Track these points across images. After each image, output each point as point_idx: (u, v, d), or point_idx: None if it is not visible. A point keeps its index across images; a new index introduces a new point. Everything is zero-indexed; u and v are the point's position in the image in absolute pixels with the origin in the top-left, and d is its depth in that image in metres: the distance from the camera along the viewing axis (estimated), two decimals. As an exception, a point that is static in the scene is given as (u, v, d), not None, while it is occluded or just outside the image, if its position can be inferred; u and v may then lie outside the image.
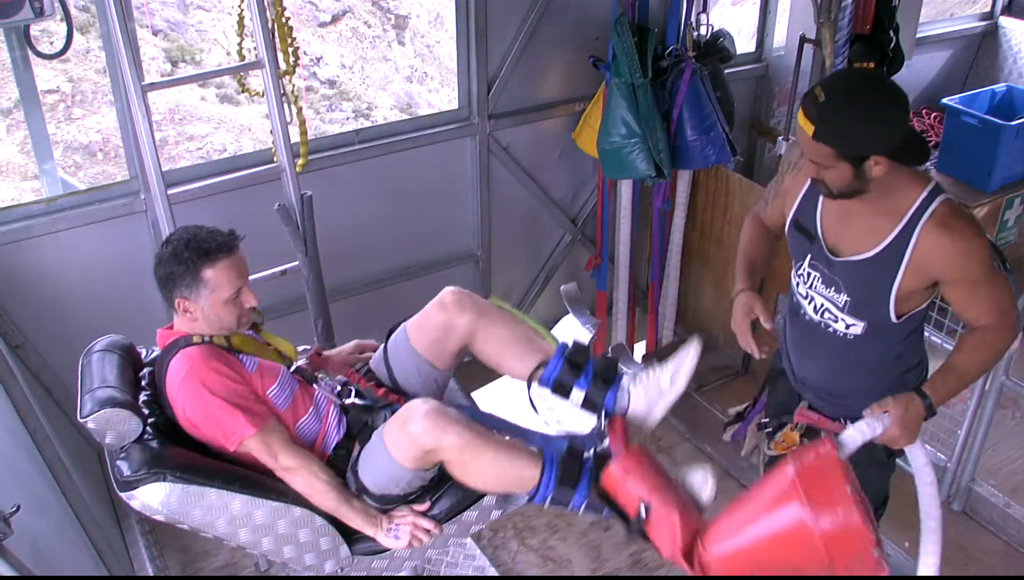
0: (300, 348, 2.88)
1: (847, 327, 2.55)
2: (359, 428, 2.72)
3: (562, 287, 3.87)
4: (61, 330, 3.75)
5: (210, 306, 2.59)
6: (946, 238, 2.29)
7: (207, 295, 2.57)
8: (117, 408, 2.48)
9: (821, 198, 2.49)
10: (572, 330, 3.57)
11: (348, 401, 2.76)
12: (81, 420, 2.46)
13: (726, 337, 4.15)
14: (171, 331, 2.69)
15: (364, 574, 2.78)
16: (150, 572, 3.55)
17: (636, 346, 4.91)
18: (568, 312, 3.32)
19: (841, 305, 2.53)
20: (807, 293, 2.63)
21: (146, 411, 2.61)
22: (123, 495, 2.49)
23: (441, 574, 2.93)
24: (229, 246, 2.62)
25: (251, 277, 3.61)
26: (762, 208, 2.86)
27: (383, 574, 2.80)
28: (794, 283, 2.68)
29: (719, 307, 4.87)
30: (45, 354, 3.76)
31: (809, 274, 2.59)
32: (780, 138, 3.83)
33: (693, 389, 4.42)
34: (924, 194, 2.33)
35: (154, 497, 2.45)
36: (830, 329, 2.59)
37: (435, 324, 2.80)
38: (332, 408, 2.75)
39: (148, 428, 2.55)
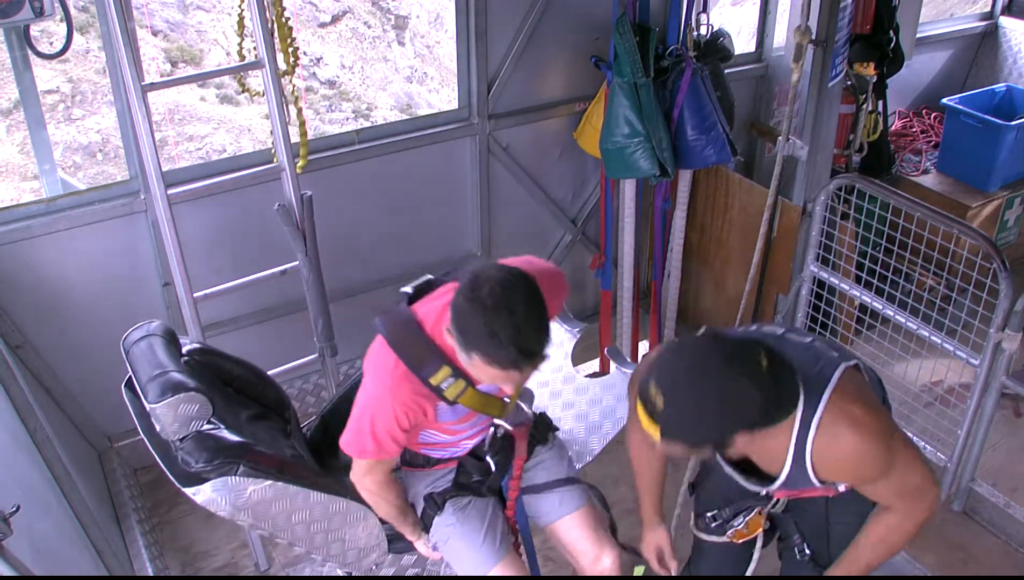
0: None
1: None
2: (466, 478, 2.75)
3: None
4: (61, 331, 3.75)
5: (469, 366, 2.26)
6: (835, 452, 2.17)
7: (472, 367, 2.24)
8: (190, 393, 2.43)
9: None
10: (556, 337, 3.57)
11: (487, 457, 2.73)
12: (151, 406, 2.39)
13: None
14: (438, 320, 2.38)
15: (367, 574, 2.79)
16: (150, 572, 3.55)
17: (640, 345, 4.90)
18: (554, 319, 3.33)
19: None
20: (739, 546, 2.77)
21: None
22: (187, 490, 2.44)
23: (441, 574, 2.93)
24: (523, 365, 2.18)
25: (251, 277, 3.63)
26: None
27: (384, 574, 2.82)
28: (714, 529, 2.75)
29: (718, 306, 4.88)
30: (45, 354, 3.76)
31: (735, 516, 2.70)
32: (780, 139, 3.83)
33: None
34: (800, 414, 2.15)
35: (222, 491, 2.41)
36: None
37: None
38: (473, 441, 2.74)
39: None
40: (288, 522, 2.55)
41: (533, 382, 3.65)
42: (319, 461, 2.75)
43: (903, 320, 3.87)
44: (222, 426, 2.51)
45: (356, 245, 4.33)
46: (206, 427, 2.46)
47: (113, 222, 3.72)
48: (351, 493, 2.61)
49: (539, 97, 4.54)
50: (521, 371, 2.15)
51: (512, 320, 2.06)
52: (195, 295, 3.46)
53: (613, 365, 3.64)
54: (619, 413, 3.33)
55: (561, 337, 3.53)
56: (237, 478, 2.42)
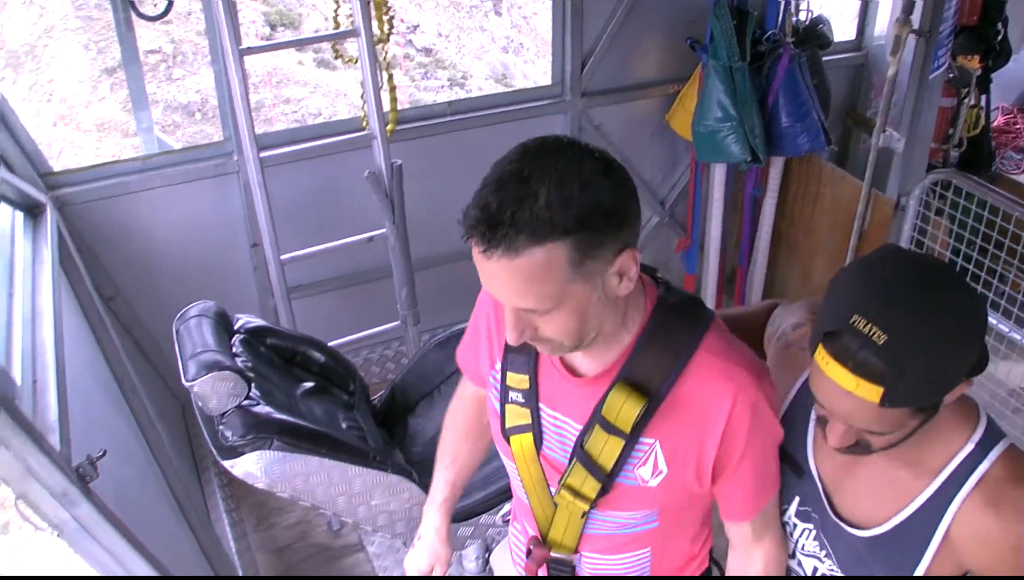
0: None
1: None
2: None
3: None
4: (151, 285, 3.84)
5: None
6: (994, 521, 1.54)
7: None
8: (225, 371, 2.51)
9: (815, 415, 1.73)
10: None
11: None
12: (187, 384, 2.49)
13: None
14: None
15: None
16: (226, 524, 3.63)
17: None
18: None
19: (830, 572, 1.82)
20: (790, 565, 1.91)
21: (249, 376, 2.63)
22: (225, 463, 2.53)
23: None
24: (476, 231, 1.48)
25: (338, 243, 3.66)
26: None
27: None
28: None
29: (803, 295, 4.81)
30: (136, 307, 3.85)
31: (796, 527, 1.85)
32: (875, 130, 3.75)
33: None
34: (971, 444, 1.59)
35: (258, 464, 2.48)
36: None
37: None
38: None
39: (250, 394, 2.58)
40: (328, 495, 2.60)
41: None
42: (388, 431, 2.78)
43: (995, 321, 3.77)
44: (263, 402, 2.57)
45: (443, 216, 4.31)
46: (246, 402, 2.54)
47: (206, 182, 3.79)
48: (399, 466, 2.64)
49: (633, 77, 4.50)
50: (480, 250, 1.39)
51: (497, 177, 1.40)
52: (282, 257, 3.52)
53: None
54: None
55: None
56: (271, 452, 2.49)
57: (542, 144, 1.44)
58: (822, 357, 1.47)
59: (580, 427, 1.69)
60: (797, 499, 1.83)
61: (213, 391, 2.48)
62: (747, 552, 1.85)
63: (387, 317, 3.84)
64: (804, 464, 1.79)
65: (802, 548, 1.85)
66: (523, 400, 1.77)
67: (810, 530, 1.82)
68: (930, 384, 1.44)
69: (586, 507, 1.73)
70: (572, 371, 1.70)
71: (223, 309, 2.88)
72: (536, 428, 1.76)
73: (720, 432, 1.62)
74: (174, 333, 2.74)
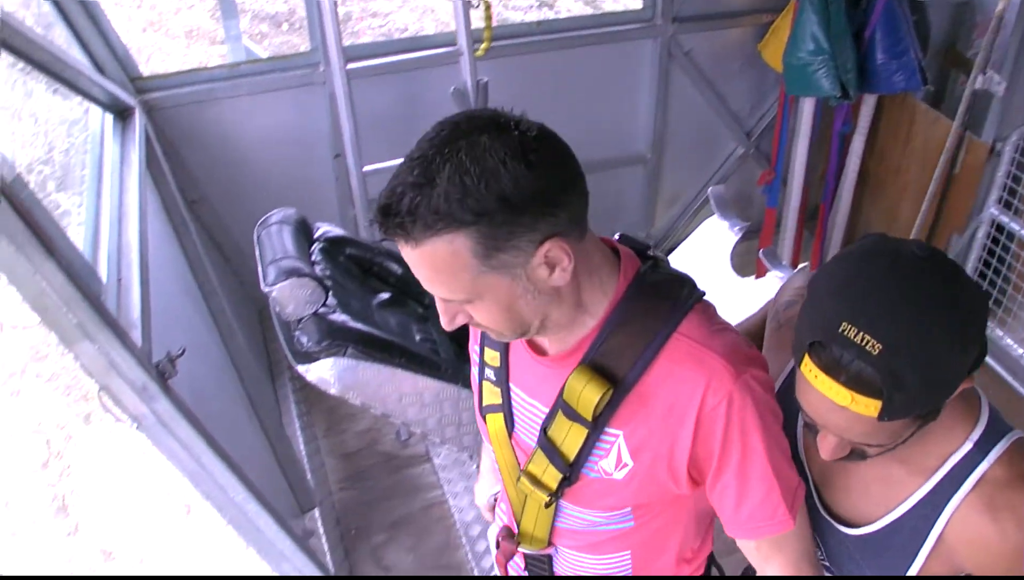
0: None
1: None
2: None
3: (711, 189, 3.81)
4: (234, 191, 3.89)
5: None
6: (991, 526, 1.45)
7: None
8: (303, 278, 2.54)
9: (802, 419, 1.57)
10: (714, 234, 3.53)
11: None
12: (266, 289, 2.53)
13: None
14: None
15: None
16: (297, 427, 3.71)
17: (799, 267, 4.81)
18: (714, 213, 3.27)
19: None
20: None
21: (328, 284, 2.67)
22: (299, 367, 2.57)
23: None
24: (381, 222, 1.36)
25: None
26: None
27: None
28: None
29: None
30: (218, 211, 3.92)
31: None
32: (974, 71, 3.62)
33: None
34: (970, 443, 1.48)
35: (331, 371, 2.52)
36: None
37: None
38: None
39: (327, 302, 2.61)
40: (399, 404, 2.63)
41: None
42: (459, 345, 2.80)
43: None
44: (339, 310, 2.59)
45: (526, 136, 4.33)
46: (323, 310, 2.57)
47: (291, 92, 3.81)
48: (468, 380, 2.67)
49: (726, 4, 4.41)
50: (391, 233, 1.30)
51: (408, 161, 1.30)
52: (364, 169, 3.54)
53: (769, 268, 3.58)
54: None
55: (721, 234, 3.49)
56: (345, 359, 2.52)
57: (459, 123, 1.30)
58: (810, 369, 1.35)
59: (547, 410, 1.58)
60: None
61: (291, 297, 2.51)
62: (761, 569, 1.66)
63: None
64: (793, 451, 1.64)
65: None
66: (495, 378, 1.70)
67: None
68: (930, 391, 1.33)
69: (546, 498, 1.62)
70: (538, 350, 1.59)
71: (304, 217, 2.91)
72: (507, 409, 1.69)
73: (692, 427, 1.46)
74: (255, 238, 2.78)
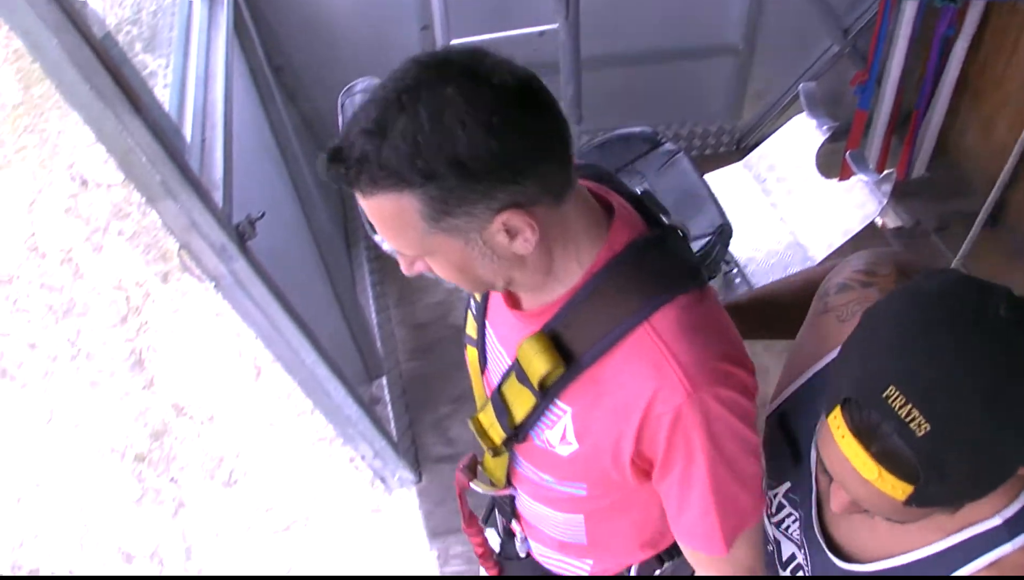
0: None
1: None
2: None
3: (802, 85, 3.70)
4: (320, 58, 3.88)
5: None
6: None
7: None
8: None
9: (815, 454, 1.37)
10: (801, 132, 3.45)
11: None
12: None
13: (980, 182, 3.92)
14: None
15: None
16: (370, 297, 3.76)
17: (885, 173, 4.70)
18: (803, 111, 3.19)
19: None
20: (773, 534, 1.66)
21: None
22: (375, 237, 2.58)
23: None
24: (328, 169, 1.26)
25: (508, 33, 3.62)
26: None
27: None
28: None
29: (982, 150, 4.57)
30: (303, 78, 3.92)
31: (781, 508, 1.61)
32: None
33: (933, 228, 4.23)
34: (998, 519, 1.26)
35: None
36: None
37: None
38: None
39: None
40: None
41: (772, 177, 3.58)
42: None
43: None
44: None
45: (616, 18, 4.24)
46: None
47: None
48: None
49: None
50: (338, 181, 1.22)
51: (367, 105, 1.19)
52: (452, 42, 3.50)
53: (854, 171, 3.51)
54: (850, 223, 3.23)
55: (808, 133, 3.42)
56: None
57: (430, 65, 1.17)
58: (838, 426, 1.16)
59: (510, 363, 1.47)
60: (788, 484, 1.58)
61: None
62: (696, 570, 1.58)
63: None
64: (805, 455, 1.51)
65: (786, 529, 1.61)
66: (475, 311, 1.63)
67: (795, 518, 1.57)
68: (976, 487, 1.13)
69: (488, 451, 1.57)
70: (513, 300, 1.48)
71: None
72: (480, 345, 1.62)
73: (636, 427, 1.34)
74: (339, 106, 2.79)
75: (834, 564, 1.45)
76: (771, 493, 1.61)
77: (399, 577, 2.99)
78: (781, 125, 4.00)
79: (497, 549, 2.00)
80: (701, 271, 1.42)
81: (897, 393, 1.07)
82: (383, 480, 3.35)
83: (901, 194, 3.93)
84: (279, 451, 3.77)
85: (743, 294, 1.98)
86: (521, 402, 1.44)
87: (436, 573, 3.19)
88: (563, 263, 1.34)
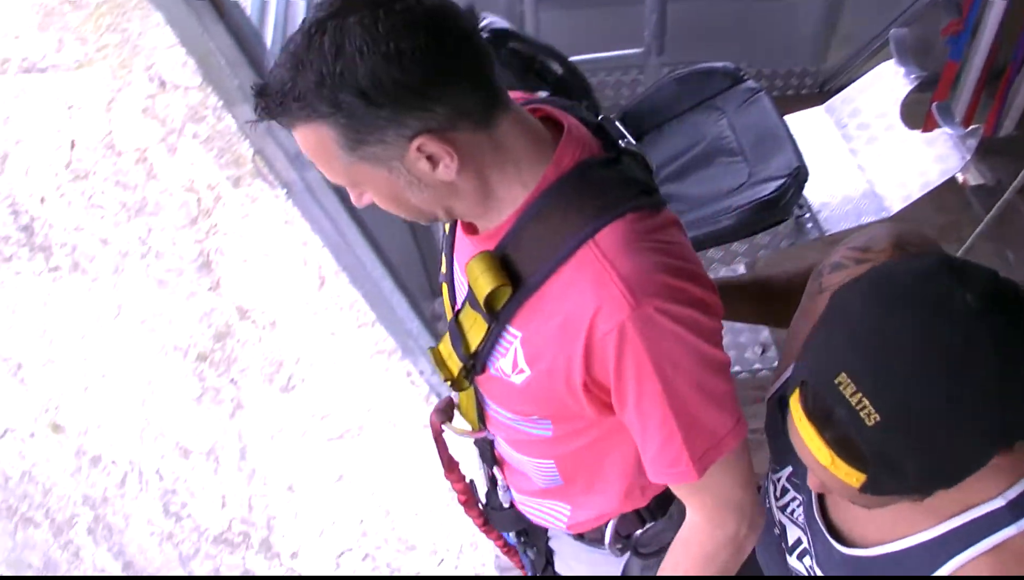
0: None
1: None
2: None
3: (893, 31, 3.60)
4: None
5: None
6: None
7: None
8: None
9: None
10: (888, 79, 3.37)
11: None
12: None
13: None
14: None
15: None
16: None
17: (971, 128, 4.57)
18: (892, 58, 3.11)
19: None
20: (778, 518, 1.61)
21: None
22: None
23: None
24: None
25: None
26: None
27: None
28: (765, 486, 1.66)
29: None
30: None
31: (786, 492, 1.58)
32: None
33: (1017, 189, 4.12)
34: (1002, 500, 1.22)
35: None
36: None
37: None
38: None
39: None
40: None
41: (854, 123, 3.50)
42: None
43: None
44: None
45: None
46: None
47: None
48: None
49: None
50: (266, 116, 1.24)
51: (294, 36, 1.21)
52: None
53: (940, 124, 3.43)
54: (930, 176, 3.17)
55: (896, 81, 3.34)
56: None
57: None
58: (796, 408, 1.13)
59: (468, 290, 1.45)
60: (791, 468, 1.55)
61: None
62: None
63: (631, 42, 3.76)
64: None
65: (791, 513, 1.56)
66: (444, 247, 1.60)
67: (799, 502, 1.54)
68: (933, 478, 1.11)
69: (447, 382, 1.55)
70: (470, 226, 1.45)
71: (472, 5, 2.87)
72: (449, 279, 1.60)
73: (582, 349, 1.31)
74: None
75: (835, 548, 1.42)
76: (775, 477, 1.59)
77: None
78: (867, 71, 3.90)
79: (484, 499, 1.99)
80: (656, 192, 1.41)
81: (849, 380, 1.05)
82: (438, 396, 3.38)
83: (986, 151, 3.83)
84: (338, 360, 3.83)
85: (744, 274, 1.96)
86: (476, 329, 1.42)
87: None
88: (505, 186, 1.34)
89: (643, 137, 3.23)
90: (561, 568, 1.96)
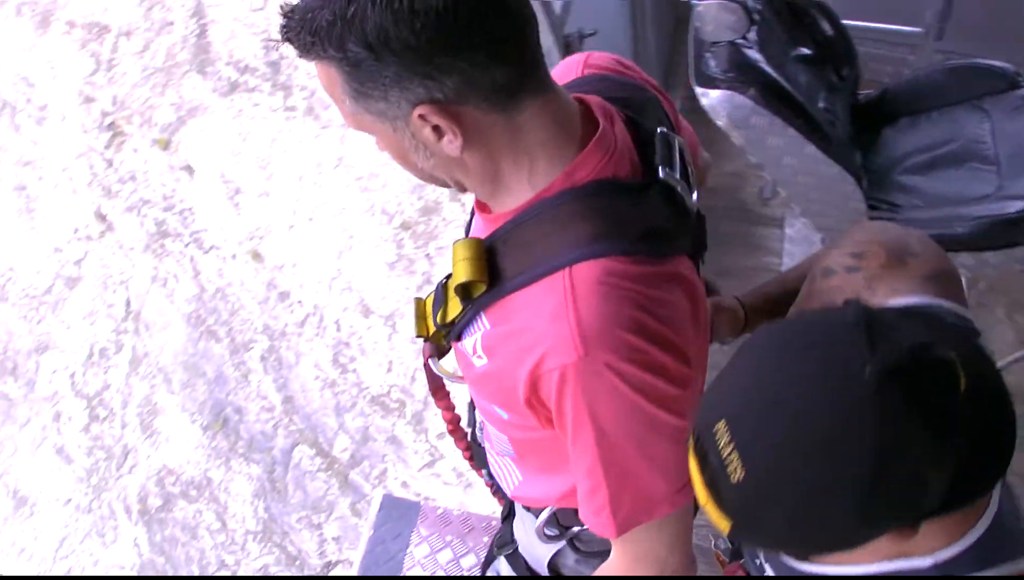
0: None
1: None
2: None
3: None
4: None
5: None
6: None
7: None
8: (733, 3, 2.48)
9: None
10: None
11: None
12: (694, 1, 2.50)
13: None
14: None
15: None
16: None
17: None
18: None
19: None
20: None
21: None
22: (698, 89, 2.54)
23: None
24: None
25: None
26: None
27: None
28: None
29: None
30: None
31: None
32: None
33: None
34: (929, 561, 1.13)
35: (727, 104, 2.47)
36: None
37: None
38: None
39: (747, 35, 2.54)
40: (778, 162, 2.56)
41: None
42: (858, 131, 2.68)
43: None
44: (757, 48, 2.52)
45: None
46: (741, 41, 2.49)
47: None
48: (854, 165, 2.54)
49: None
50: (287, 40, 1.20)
51: None
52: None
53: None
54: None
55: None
56: (744, 98, 2.44)
57: None
58: (689, 444, 1.07)
59: None
60: None
61: (714, 18, 2.46)
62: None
63: (911, 20, 3.55)
64: None
65: None
66: (468, 217, 1.56)
67: None
68: (802, 545, 1.06)
69: (419, 336, 1.50)
70: (482, 203, 1.39)
71: None
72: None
73: (527, 375, 1.24)
74: None
75: (785, 563, 1.33)
76: None
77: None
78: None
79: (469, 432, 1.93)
80: (665, 241, 1.29)
81: (726, 430, 0.98)
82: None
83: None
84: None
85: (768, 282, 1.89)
86: (455, 302, 1.37)
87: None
88: (513, 175, 1.27)
89: (898, 121, 3.07)
90: (516, 527, 1.92)
